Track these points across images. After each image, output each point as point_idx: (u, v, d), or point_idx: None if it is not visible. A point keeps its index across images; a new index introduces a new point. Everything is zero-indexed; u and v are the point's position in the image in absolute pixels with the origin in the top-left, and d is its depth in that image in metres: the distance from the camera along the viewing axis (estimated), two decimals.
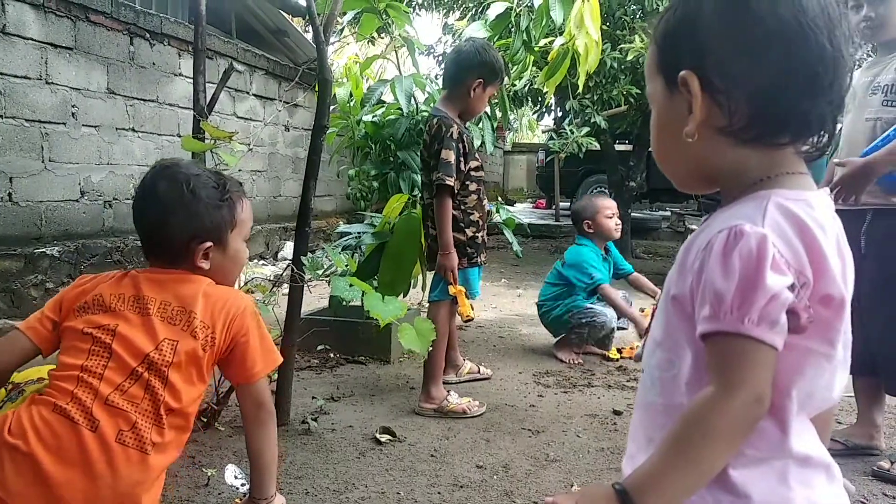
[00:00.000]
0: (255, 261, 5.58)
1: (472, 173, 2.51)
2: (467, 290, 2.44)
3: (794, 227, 0.65)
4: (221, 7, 7.38)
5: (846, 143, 2.12)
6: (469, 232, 2.45)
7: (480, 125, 3.65)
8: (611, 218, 3.33)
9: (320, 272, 2.08)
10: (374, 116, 3.42)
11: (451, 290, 2.36)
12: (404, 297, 3.19)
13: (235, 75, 5.60)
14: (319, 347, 3.14)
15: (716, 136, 0.70)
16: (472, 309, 2.43)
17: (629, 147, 7.49)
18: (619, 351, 3.35)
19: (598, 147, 5.59)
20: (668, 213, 10.33)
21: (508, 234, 3.61)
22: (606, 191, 7.76)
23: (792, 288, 0.64)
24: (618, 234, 3.37)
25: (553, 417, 2.44)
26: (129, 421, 1.12)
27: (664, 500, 0.66)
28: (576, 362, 3.20)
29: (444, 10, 7.52)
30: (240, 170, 5.67)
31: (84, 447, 1.07)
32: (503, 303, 4.84)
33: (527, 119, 15.62)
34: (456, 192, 2.40)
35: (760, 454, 0.67)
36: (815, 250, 0.65)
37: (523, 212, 12.44)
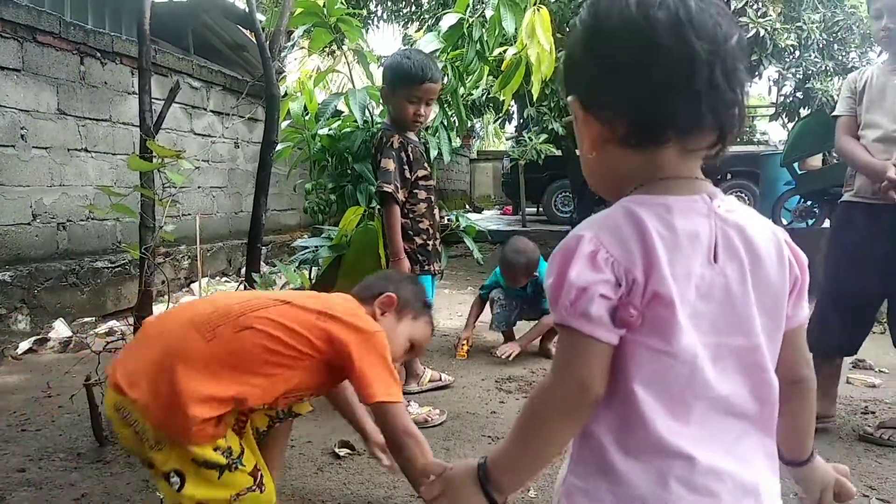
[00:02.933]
0: (217, 277, 5.52)
1: (421, 182, 2.53)
2: None
3: (634, 230, 0.69)
4: (178, 24, 7.32)
5: (886, 141, 2.18)
6: (419, 240, 2.46)
7: (437, 136, 3.68)
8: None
9: (271, 289, 2.07)
10: (330, 129, 3.42)
11: None
12: None
13: (192, 91, 5.55)
14: None
15: (612, 148, 0.74)
16: None
17: None
18: None
19: (558, 153, 5.66)
20: None
21: (469, 242, 3.63)
22: (570, 195, 7.85)
23: (619, 285, 0.67)
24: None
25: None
26: None
27: (510, 476, 0.76)
28: (510, 355, 3.31)
29: (403, 22, 7.56)
30: (199, 186, 5.62)
31: None
32: (466, 309, 4.84)
33: (492, 127, 15.74)
34: (404, 200, 2.42)
35: (638, 447, 0.70)
36: (650, 252, 0.68)
37: (491, 218, 12.52)
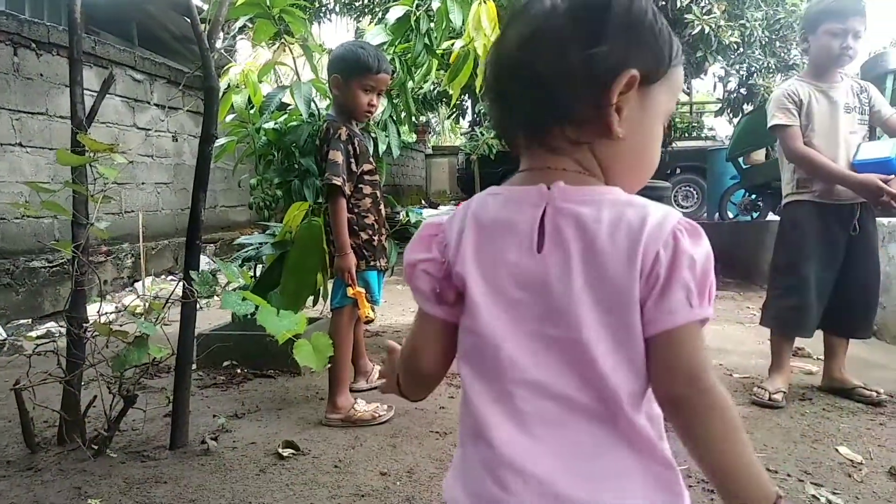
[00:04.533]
0: (164, 276, 5.37)
1: (366, 176, 2.50)
2: (367, 294, 2.41)
3: (461, 214, 0.75)
4: (122, 15, 7.09)
5: (828, 151, 2.50)
6: (364, 235, 2.43)
7: (386, 130, 3.64)
8: None
9: (211, 287, 2.01)
10: (276, 123, 3.35)
11: (350, 291, 2.33)
12: (313, 306, 3.14)
13: (135, 84, 5.38)
14: (225, 363, 3.05)
15: None
16: (374, 311, 2.41)
17: None
18: None
19: (507, 148, 5.67)
20: None
21: None
22: None
23: (442, 264, 0.74)
24: None
25: None
26: None
27: None
28: None
29: (356, 15, 7.47)
30: (143, 182, 5.45)
31: None
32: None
33: (448, 122, 15.72)
34: (349, 194, 2.38)
35: (466, 429, 0.73)
36: (460, 235, 0.73)
37: (447, 214, 12.49)
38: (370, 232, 2.48)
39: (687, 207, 10.19)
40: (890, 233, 3.80)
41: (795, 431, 2.26)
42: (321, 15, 8.88)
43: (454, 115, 6.54)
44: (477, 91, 3.64)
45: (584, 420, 0.67)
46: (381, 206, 2.60)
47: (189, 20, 2.29)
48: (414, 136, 15.70)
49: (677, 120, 8.56)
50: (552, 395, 0.67)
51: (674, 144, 8.52)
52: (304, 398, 2.72)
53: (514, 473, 0.66)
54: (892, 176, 2.40)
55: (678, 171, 10.10)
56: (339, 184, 2.30)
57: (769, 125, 2.61)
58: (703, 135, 10.23)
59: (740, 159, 7.22)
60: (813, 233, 2.55)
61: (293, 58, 3.25)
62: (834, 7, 2.48)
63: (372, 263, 2.48)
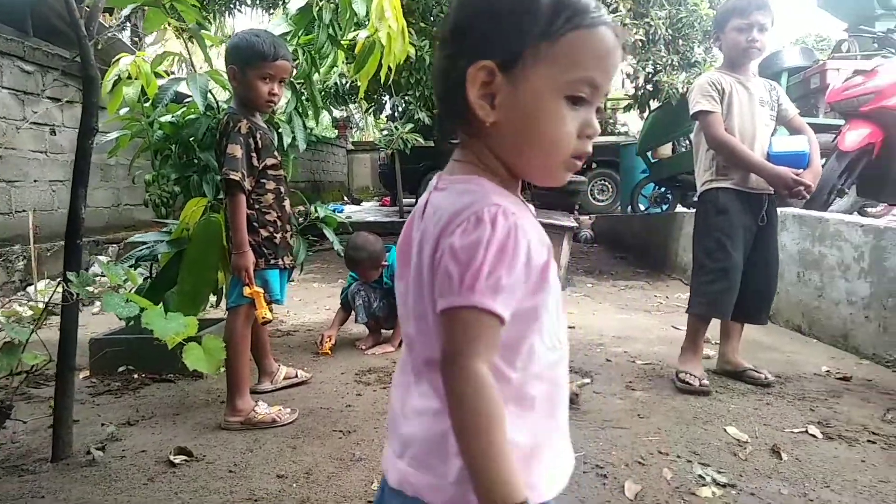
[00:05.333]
0: (60, 278, 5.06)
1: (269, 171, 2.42)
2: (267, 293, 2.34)
3: None
4: (17, 4, 6.63)
5: (745, 141, 2.61)
6: (264, 232, 2.35)
7: (291, 123, 3.55)
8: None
9: (90, 289, 1.89)
10: (173, 116, 3.20)
11: (247, 291, 2.25)
12: (216, 305, 3.03)
13: (25, 76, 5.04)
14: (121, 369, 2.90)
15: None
16: (271, 312, 2.34)
17: None
18: None
19: (429, 143, 5.66)
20: None
21: (329, 234, 3.54)
22: None
23: None
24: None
25: (368, 416, 2.42)
26: None
27: None
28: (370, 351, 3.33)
29: (267, 6, 7.27)
30: (35, 180, 5.12)
31: None
32: (336, 303, 4.75)
33: (370, 117, 15.58)
34: (250, 189, 2.30)
35: None
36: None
37: (370, 210, 12.40)
38: (271, 229, 2.40)
39: (603, 201, 10.49)
40: (782, 221, 4.02)
41: (688, 413, 2.34)
42: (232, 6, 8.61)
43: (372, 109, 6.45)
44: (382, 82, 3.60)
45: (412, 374, 0.79)
46: (286, 202, 2.52)
47: (66, 4, 2.14)
48: (335, 130, 15.51)
49: None
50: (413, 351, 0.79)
51: None
52: (205, 402, 2.62)
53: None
54: (802, 169, 2.55)
55: (594, 165, 10.38)
56: (236, 179, 2.21)
57: (693, 111, 2.67)
58: (616, 130, 10.55)
59: (649, 154, 7.49)
60: (737, 217, 2.63)
61: (187, 48, 3.12)
62: (738, 4, 2.60)
63: (273, 262, 2.40)
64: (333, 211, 3.72)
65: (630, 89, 6.97)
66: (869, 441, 2.09)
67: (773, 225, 2.74)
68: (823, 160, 4.98)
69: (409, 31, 5.01)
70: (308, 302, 4.74)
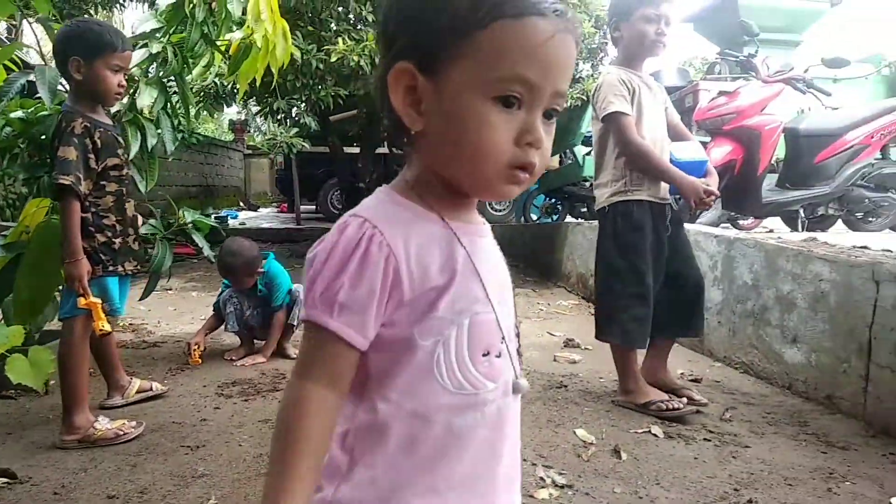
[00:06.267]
0: None
1: (111, 172, 2.29)
2: (105, 303, 2.20)
3: None
4: None
5: (656, 147, 2.45)
6: (101, 237, 2.22)
7: (159, 123, 3.39)
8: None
9: None
10: (25, 112, 2.98)
11: (82, 302, 2.10)
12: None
13: None
14: None
15: None
16: (110, 323, 2.20)
17: (357, 149, 7.63)
18: None
19: (309, 148, 5.57)
20: None
21: (199, 239, 3.39)
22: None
23: None
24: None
25: (222, 430, 2.32)
26: None
27: None
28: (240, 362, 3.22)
29: (150, 1, 6.95)
30: None
31: None
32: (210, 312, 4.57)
33: (264, 119, 15.21)
34: (87, 193, 2.16)
35: None
36: None
37: (266, 216, 12.08)
38: (109, 234, 2.26)
39: (499, 211, 10.70)
40: None
41: (543, 418, 2.40)
42: (118, 1, 8.18)
43: (264, 112, 6.27)
44: (268, 85, 3.50)
45: None
46: (128, 205, 2.38)
47: None
48: (232, 133, 15.02)
49: None
50: None
51: None
52: (45, 420, 2.43)
53: None
54: (703, 178, 2.45)
55: None
56: (67, 184, 2.07)
57: (605, 112, 2.41)
58: None
59: None
60: (650, 234, 2.47)
61: (37, 40, 2.92)
62: None
63: (111, 269, 2.26)
64: (226, 217, 3.59)
65: None
66: (705, 439, 2.21)
67: (683, 232, 2.63)
68: None
69: (295, 34, 4.96)
70: (183, 312, 4.54)
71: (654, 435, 2.24)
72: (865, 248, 2.80)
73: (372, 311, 0.64)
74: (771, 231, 4.88)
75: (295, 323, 3.38)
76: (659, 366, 2.68)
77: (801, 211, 5.07)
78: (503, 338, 0.72)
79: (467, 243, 0.70)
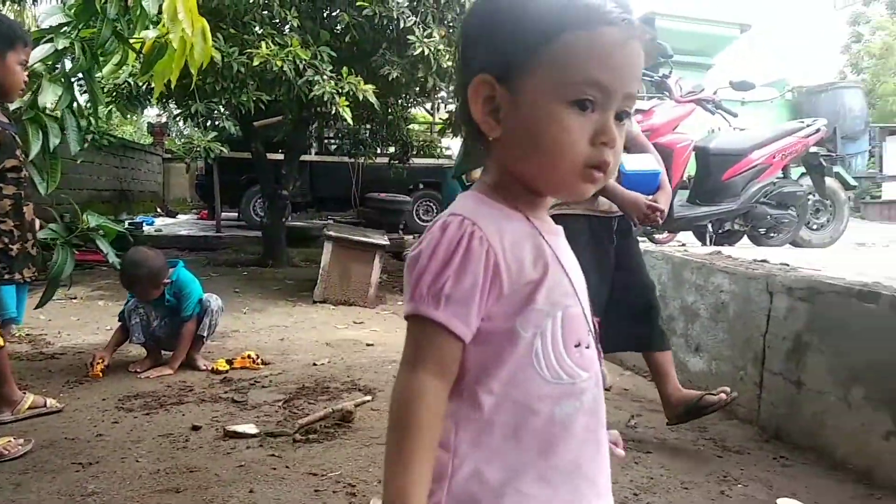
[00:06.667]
0: None
1: (9, 174, 2.17)
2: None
3: None
4: None
5: None
6: None
7: (63, 122, 3.23)
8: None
9: None
10: None
11: None
12: None
13: None
14: None
15: None
16: (1, 335, 2.07)
17: (281, 156, 7.47)
18: (230, 362, 3.24)
19: (227, 153, 5.42)
20: (330, 222, 10.64)
21: (103, 245, 3.23)
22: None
23: None
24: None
25: (118, 445, 2.21)
26: None
27: None
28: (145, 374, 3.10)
29: None
30: None
31: None
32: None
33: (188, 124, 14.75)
34: None
35: None
36: None
37: (186, 223, 11.66)
38: (6, 240, 2.14)
39: (428, 221, 10.67)
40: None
41: None
42: None
43: (184, 115, 6.04)
44: (186, 87, 3.39)
45: None
46: (27, 209, 2.25)
47: None
48: (151, 136, 14.46)
49: (413, 137, 8.99)
50: None
51: (412, 161, 8.90)
52: None
53: None
54: (654, 192, 2.36)
55: (420, 186, 10.63)
56: None
57: None
58: (437, 153, 10.92)
59: (463, 177, 7.79)
60: (586, 249, 2.32)
61: None
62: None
63: (6, 277, 2.14)
64: (141, 223, 3.43)
65: (444, 114, 7.22)
66: None
67: (632, 244, 2.55)
68: None
69: (217, 36, 4.82)
70: (87, 321, 4.31)
71: None
72: (765, 261, 2.96)
73: (475, 303, 0.67)
74: (683, 245, 5.10)
75: (205, 334, 3.27)
76: (669, 388, 2.40)
77: (710, 226, 5.31)
78: (589, 330, 0.76)
79: (550, 240, 0.74)
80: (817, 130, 5.30)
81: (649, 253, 3.34)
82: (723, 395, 2.27)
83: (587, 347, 0.75)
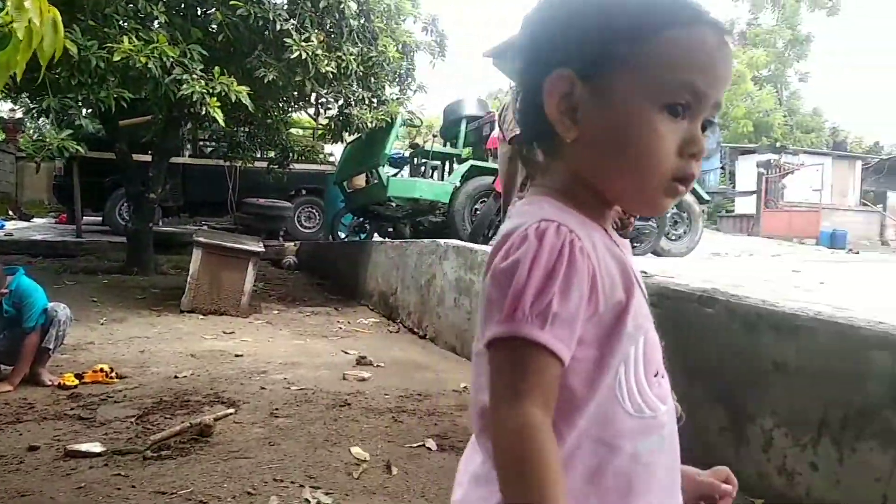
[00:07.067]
0: None
1: None
2: None
3: None
4: None
5: None
6: None
7: None
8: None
9: None
10: None
11: None
12: None
13: None
14: None
15: None
16: None
17: (150, 157, 7.06)
18: (79, 377, 3.00)
19: (83, 152, 5.04)
20: (204, 228, 10.18)
21: None
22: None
23: None
24: None
25: None
26: None
27: None
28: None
29: None
30: None
31: None
32: None
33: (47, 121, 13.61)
34: None
35: None
36: None
37: (42, 228, 10.73)
38: None
39: (310, 228, 10.53)
40: (445, 251, 4.39)
41: (320, 437, 2.36)
42: None
43: (37, 110, 5.53)
44: (18, 79, 3.13)
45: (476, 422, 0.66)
46: None
47: None
48: (2, 134, 13.16)
49: (294, 141, 8.79)
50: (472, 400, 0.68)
51: (293, 166, 8.69)
52: None
53: None
54: None
55: (303, 192, 10.41)
56: None
57: (514, 133, 2.42)
58: (319, 158, 10.75)
59: (345, 184, 7.73)
60: None
61: None
62: None
63: None
64: None
65: (323, 119, 7.13)
66: None
67: None
68: (485, 200, 5.63)
69: (73, 28, 4.48)
70: None
71: (428, 448, 2.29)
72: None
73: (579, 323, 0.58)
74: None
75: (52, 346, 3.01)
76: None
77: None
78: (663, 356, 0.68)
79: (627, 255, 0.67)
80: None
81: None
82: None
83: (662, 376, 0.68)
